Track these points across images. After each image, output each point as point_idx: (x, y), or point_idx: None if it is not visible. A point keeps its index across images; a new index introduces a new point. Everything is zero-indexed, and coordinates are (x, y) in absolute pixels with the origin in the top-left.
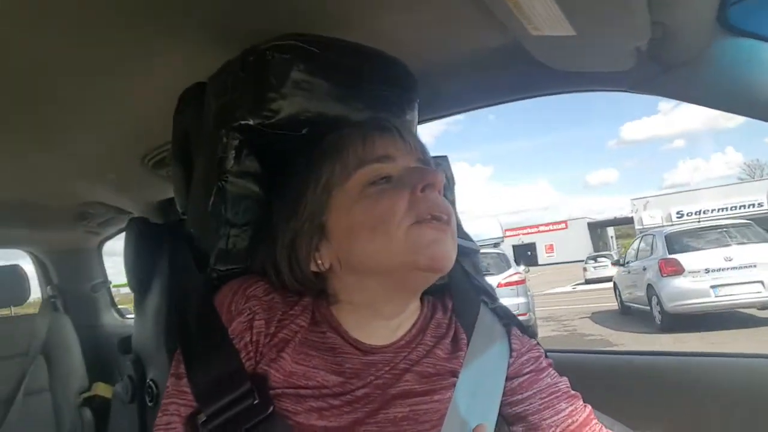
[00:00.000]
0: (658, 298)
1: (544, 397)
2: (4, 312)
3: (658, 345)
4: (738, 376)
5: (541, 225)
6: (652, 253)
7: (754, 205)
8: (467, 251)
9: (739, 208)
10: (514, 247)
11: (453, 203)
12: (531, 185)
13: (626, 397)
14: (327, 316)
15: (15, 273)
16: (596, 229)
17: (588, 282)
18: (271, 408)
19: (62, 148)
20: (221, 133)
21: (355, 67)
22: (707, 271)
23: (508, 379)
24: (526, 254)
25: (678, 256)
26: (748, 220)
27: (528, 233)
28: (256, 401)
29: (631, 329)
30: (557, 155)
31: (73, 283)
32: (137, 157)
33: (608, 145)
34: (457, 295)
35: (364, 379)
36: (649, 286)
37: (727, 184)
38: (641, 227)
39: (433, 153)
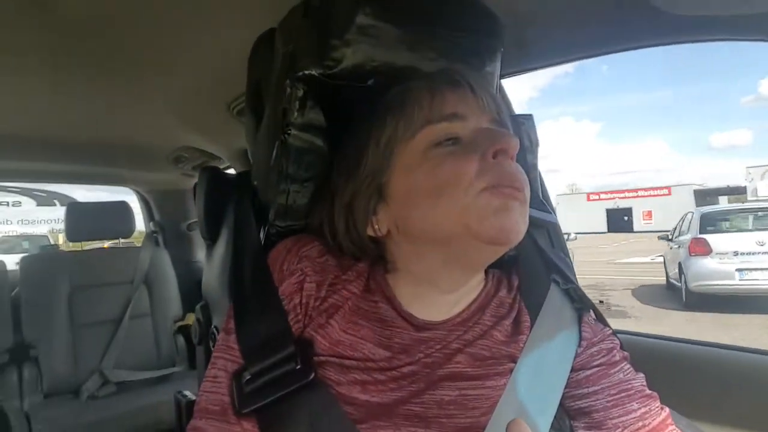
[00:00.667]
0: (684, 276)
1: (614, 394)
2: (113, 243)
3: (667, 321)
4: None
5: (641, 189)
6: (689, 231)
7: None
8: (542, 223)
9: None
10: (607, 211)
11: (534, 167)
12: (643, 144)
13: (719, 397)
14: (382, 285)
15: (123, 208)
16: (704, 197)
17: None
18: (312, 375)
19: (154, 93)
20: (285, 84)
21: (430, 10)
22: (736, 253)
23: (574, 370)
24: (621, 219)
25: (708, 236)
26: None
27: (625, 197)
28: (298, 366)
29: (661, 305)
30: (678, 112)
31: (172, 221)
32: (223, 104)
33: (742, 102)
34: (525, 271)
35: (412, 356)
36: (680, 264)
37: None
38: (755, 198)
39: (527, 110)
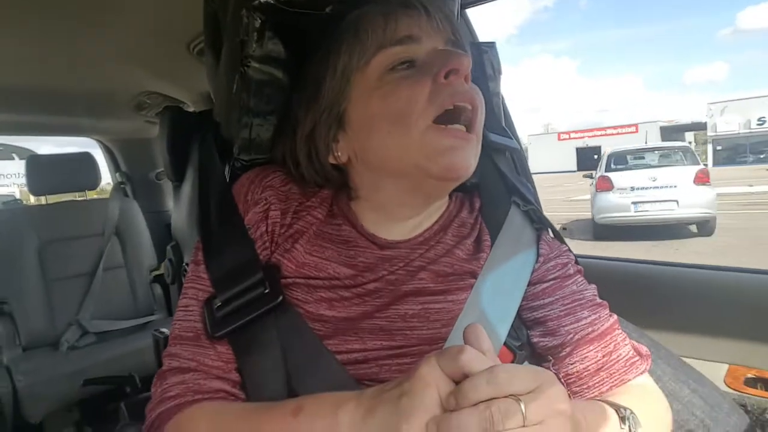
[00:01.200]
0: (592, 210)
1: (567, 304)
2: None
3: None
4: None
5: (609, 128)
6: (599, 170)
7: None
8: (504, 148)
9: None
10: (577, 149)
11: (496, 94)
12: (619, 80)
13: (660, 307)
14: (345, 210)
15: (87, 159)
16: (671, 133)
17: None
18: (281, 298)
19: (111, 36)
20: (242, 14)
21: None
22: (632, 188)
23: (531, 284)
24: (590, 158)
25: (611, 174)
26: None
27: (594, 136)
28: (267, 290)
29: (579, 237)
30: (654, 48)
31: (139, 171)
32: (183, 44)
33: (718, 36)
34: (485, 194)
35: (376, 274)
36: (591, 200)
37: None
38: (714, 134)
39: (506, 47)
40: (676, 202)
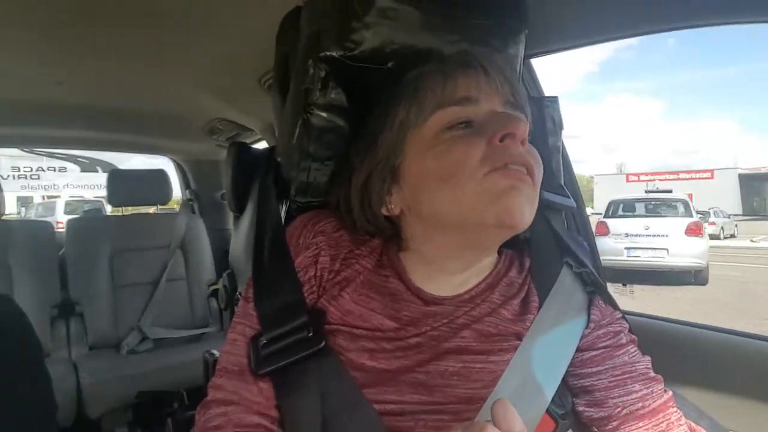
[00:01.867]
0: None
1: (617, 375)
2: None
3: None
4: None
5: (683, 172)
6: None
7: None
8: (559, 207)
9: None
10: (646, 192)
11: (556, 150)
12: (710, 122)
13: (721, 380)
14: (394, 262)
15: (161, 176)
16: (752, 182)
17: None
18: (323, 343)
19: (189, 64)
20: (308, 64)
21: None
22: (626, 235)
23: (579, 350)
24: None
25: (609, 220)
26: None
27: (666, 179)
28: (310, 334)
29: None
30: (748, 89)
31: (207, 190)
32: (255, 78)
33: None
34: (536, 253)
35: (419, 329)
36: None
37: None
38: None
39: (584, 84)
40: (666, 250)
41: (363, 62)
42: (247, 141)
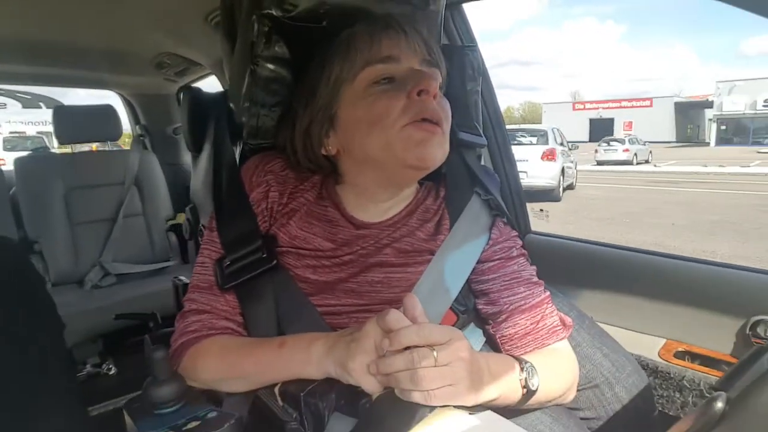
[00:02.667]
0: None
1: (507, 280)
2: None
3: None
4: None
5: (624, 100)
6: None
7: None
8: (472, 144)
9: None
10: (590, 120)
11: (474, 93)
12: (669, 50)
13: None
14: (331, 194)
15: (110, 111)
16: (687, 110)
17: (598, 163)
18: (275, 261)
19: (132, 3)
20: (252, 19)
21: None
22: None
23: (480, 262)
24: (604, 129)
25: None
26: None
27: (609, 107)
28: (264, 255)
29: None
30: (708, 16)
31: (157, 125)
32: (201, 15)
33: None
34: (451, 184)
35: (351, 248)
36: None
37: None
38: (719, 113)
39: (547, 7)
40: (526, 173)
41: (300, 21)
42: (195, 76)
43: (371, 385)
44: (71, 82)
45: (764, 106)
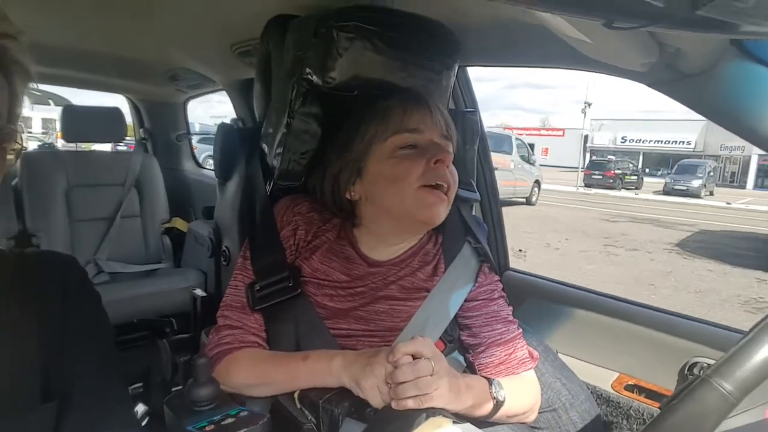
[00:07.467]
0: None
1: (487, 318)
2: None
3: None
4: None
5: (543, 129)
6: None
7: (683, 143)
8: (468, 200)
9: (672, 143)
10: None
11: (472, 152)
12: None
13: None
14: (349, 235)
15: (116, 113)
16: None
17: None
18: (299, 290)
19: (161, 20)
20: (293, 81)
21: (408, 43)
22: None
23: (466, 300)
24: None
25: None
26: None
27: (530, 134)
28: (290, 284)
29: None
30: None
31: (161, 131)
32: (227, 44)
33: None
34: (448, 233)
35: (363, 282)
36: None
37: (670, 120)
38: (591, 145)
39: None
40: None
41: (335, 89)
42: (206, 90)
43: (377, 401)
44: (85, 84)
45: (621, 142)
